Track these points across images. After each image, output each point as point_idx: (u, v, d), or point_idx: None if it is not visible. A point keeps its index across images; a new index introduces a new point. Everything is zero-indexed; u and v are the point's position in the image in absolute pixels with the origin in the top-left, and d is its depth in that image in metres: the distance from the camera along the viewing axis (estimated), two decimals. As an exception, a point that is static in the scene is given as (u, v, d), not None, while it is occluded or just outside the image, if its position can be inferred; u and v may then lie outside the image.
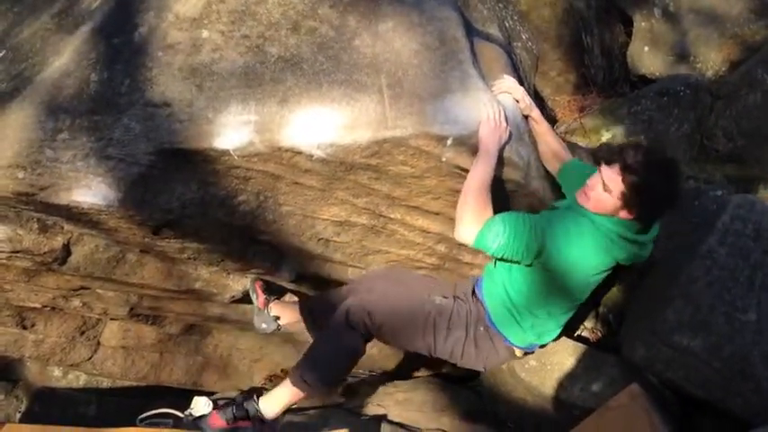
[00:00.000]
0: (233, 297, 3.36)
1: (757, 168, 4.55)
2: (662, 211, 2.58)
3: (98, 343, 3.86)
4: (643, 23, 6.01)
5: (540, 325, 2.79)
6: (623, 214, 2.51)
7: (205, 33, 2.61)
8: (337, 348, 2.75)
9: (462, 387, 3.90)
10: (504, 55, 3.04)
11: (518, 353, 2.90)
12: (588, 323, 3.58)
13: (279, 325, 3.29)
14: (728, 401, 2.71)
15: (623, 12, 6.21)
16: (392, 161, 2.53)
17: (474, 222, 2.44)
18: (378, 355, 3.91)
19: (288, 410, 2.88)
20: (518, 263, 2.56)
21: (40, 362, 4.03)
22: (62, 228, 2.91)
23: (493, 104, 2.53)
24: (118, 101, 2.56)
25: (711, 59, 5.72)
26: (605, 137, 5.05)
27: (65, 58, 2.69)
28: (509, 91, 2.74)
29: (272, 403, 2.76)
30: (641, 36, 6.02)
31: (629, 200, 2.45)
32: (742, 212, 2.85)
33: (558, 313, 2.78)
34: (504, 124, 2.53)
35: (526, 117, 2.84)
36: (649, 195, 2.44)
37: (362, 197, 2.75)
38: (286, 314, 3.29)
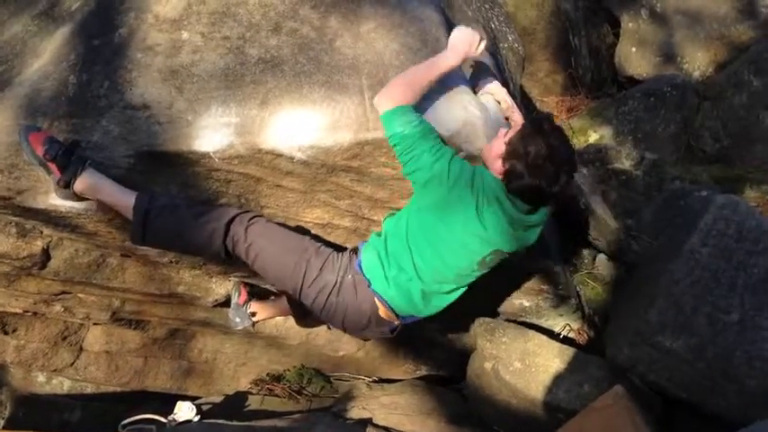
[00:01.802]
0: (216, 301, 3.34)
1: (743, 169, 4.56)
2: (527, 174, 2.29)
3: (81, 348, 3.82)
4: (630, 24, 6.03)
5: (403, 281, 2.54)
6: (497, 166, 2.37)
7: (185, 35, 2.59)
8: (196, 224, 2.55)
9: (447, 390, 3.89)
10: (488, 56, 3.03)
11: (382, 311, 2.62)
12: (574, 324, 3.58)
13: (253, 322, 3.24)
14: (712, 402, 2.72)
15: (610, 13, 6.23)
16: (374, 163, 2.52)
17: (399, 99, 2.33)
18: (363, 358, 3.89)
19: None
20: (402, 164, 2.39)
21: (22, 368, 4.00)
22: (41, 232, 2.89)
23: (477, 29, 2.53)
24: (97, 103, 2.54)
25: (698, 60, 5.75)
26: (593, 138, 5.07)
27: (44, 60, 2.67)
28: (492, 92, 2.73)
29: (92, 186, 2.50)
30: (629, 37, 6.04)
31: (502, 151, 2.34)
32: (725, 213, 2.86)
33: (422, 271, 2.52)
34: (478, 37, 2.48)
35: (507, 119, 2.83)
36: (517, 149, 2.30)
37: (345, 199, 2.74)
38: (263, 311, 3.25)
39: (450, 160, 2.34)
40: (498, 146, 2.36)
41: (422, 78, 2.39)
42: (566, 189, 2.35)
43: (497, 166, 2.36)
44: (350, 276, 2.58)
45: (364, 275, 2.57)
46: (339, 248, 2.70)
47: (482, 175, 2.39)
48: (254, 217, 2.61)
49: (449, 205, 2.37)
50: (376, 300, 2.58)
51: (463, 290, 2.64)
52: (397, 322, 2.72)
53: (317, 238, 2.78)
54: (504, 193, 2.37)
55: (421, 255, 2.48)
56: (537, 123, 2.36)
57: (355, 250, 2.66)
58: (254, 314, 3.22)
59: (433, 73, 2.41)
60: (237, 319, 3.22)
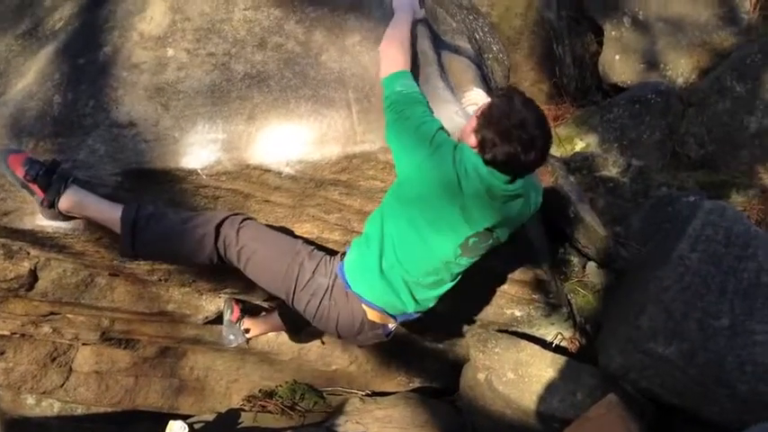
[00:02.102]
0: (207, 318, 3.32)
1: (729, 174, 4.60)
2: (499, 141, 2.24)
3: (70, 369, 3.78)
4: (613, 32, 6.07)
5: (385, 271, 2.48)
6: (471, 140, 2.31)
7: (170, 52, 2.59)
8: (185, 229, 2.50)
9: (441, 402, 3.88)
10: (473, 67, 3.04)
11: (370, 314, 2.56)
12: (566, 333, 3.58)
13: (247, 339, 3.22)
14: (705, 408, 2.72)
15: (593, 21, 6.28)
16: (362, 176, 2.52)
17: (401, 64, 2.43)
18: (356, 372, 3.88)
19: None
20: (389, 122, 2.38)
21: (11, 390, 3.95)
22: (28, 253, 2.86)
23: None
24: (82, 122, 2.53)
25: (681, 67, 5.79)
26: (579, 146, 5.08)
27: (28, 80, 2.66)
28: (476, 102, 2.74)
29: (77, 204, 2.47)
30: (612, 45, 6.08)
31: (474, 124, 2.30)
32: (713, 218, 2.87)
33: (404, 257, 2.44)
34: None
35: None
36: (487, 118, 2.26)
37: (334, 213, 2.73)
38: (256, 327, 3.23)
39: (438, 128, 2.32)
40: (471, 120, 2.33)
41: (403, 37, 2.48)
42: (542, 158, 2.29)
43: (472, 140, 2.30)
44: (339, 280, 2.53)
45: (346, 279, 2.51)
46: (332, 252, 2.68)
47: (462, 149, 2.34)
48: (245, 219, 2.57)
49: (429, 175, 2.30)
50: (362, 304, 2.54)
51: (450, 284, 2.56)
52: (391, 324, 2.66)
53: (308, 241, 2.75)
54: (483, 165, 2.30)
55: (403, 238, 2.42)
56: (506, 94, 2.34)
57: (345, 254, 2.61)
58: (247, 330, 3.20)
59: (406, 30, 2.52)
60: (231, 337, 3.20)
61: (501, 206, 2.39)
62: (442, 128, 2.34)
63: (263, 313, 3.41)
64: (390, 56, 2.44)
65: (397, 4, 2.63)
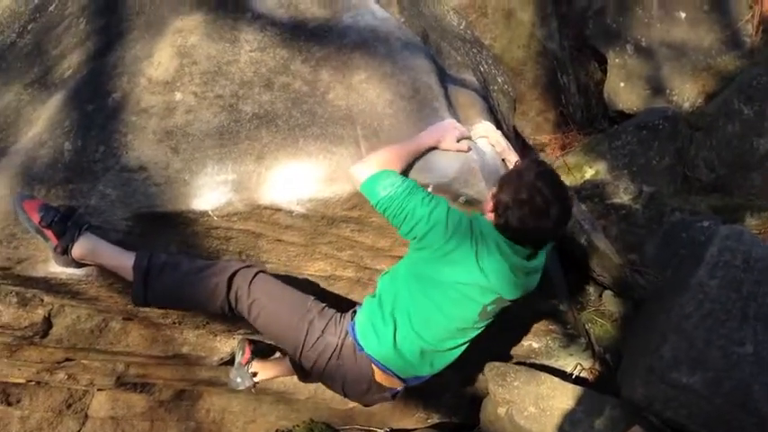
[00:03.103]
0: (222, 359, 3.29)
1: (742, 197, 4.57)
2: (519, 221, 2.24)
3: (86, 415, 3.74)
4: (617, 60, 6.11)
5: (399, 340, 2.45)
6: (489, 214, 2.33)
7: (178, 95, 2.60)
8: (197, 279, 2.48)
9: (461, 437, 3.82)
10: (479, 99, 3.05)
11: (378, 376, 2.53)
12: (586, 363, 3.53)
13: (255, 383, 3.17)
14: (733, 437, 2.66)
15: (596, 50, 6.32)
16: (373, 212, 2.50)
17: (376, 166, 2.32)
18: (373, 409, 3.81)
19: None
20: (398, 226, 2.35)
21: (27, 438, 3.92)
22: (42, 300, 2.86)
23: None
24: (93, 168, 2.54)
25: (687, 91, 5.81)
26: (588, 173, 5.08)
27: (39, 128, 2.68)
28: (485, 135, 2.74)
29: (90, 251, 2.46)
30: (616, 72, 6.11)
31: (492, 197, 2.31)
32: (730, 243, 2.83)
33: (421, 327, 2.43)
34: (455, 131, 2.49)
35: (504, 160, 2.82)
36: (502, 199, 2.26)
37: (346, 250, 2.72)
38: (265, 370, 3.18)
39: (447, 209, 2.31)
40: (487, 202, 2.35)
41: (396, 151, 2.39)
42: (562, 226, 2.31)
43: (488, 206, 2.32)
44: (349, 339, 2.51)
45: (357, 340, 2.49)
46: (343, 309, 2.64)
47: (479, 222, 2.36)
48: (258, 273, 2.55)
49: (447, 255, 2.32)
50: (372, 365, 2.50)
51: (466, 346, 2.55)
52: (399, 387, 2.63)
53: (321, 296, 2.73)
54: (503, 240, 2.33)
55: (419, 309, 2.41)
56: (519, 170, 2.33)
57: (355, 312, 2.60)
58: (255, 374, 3.16)
59: (406, 148, 2.42)
60: (239, 380, 3.16)
61: (522, 280, 2.42)
62: (450, 206, 2.35)
63: (274, 356, 3.37)
64: (367, 162, 2.37)
65: (431, 128, 2.50)
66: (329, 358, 2.50)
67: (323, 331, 2.51)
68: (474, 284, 2.36)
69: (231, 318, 2.70)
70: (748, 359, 2.63)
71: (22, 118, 2.79)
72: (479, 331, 2.51)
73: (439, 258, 2.32)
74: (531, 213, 2.21)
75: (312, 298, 2.62)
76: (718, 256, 2.80)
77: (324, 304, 2.61)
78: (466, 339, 2.51)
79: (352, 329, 2.50)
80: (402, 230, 2.34)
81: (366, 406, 2.97)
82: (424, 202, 2.29)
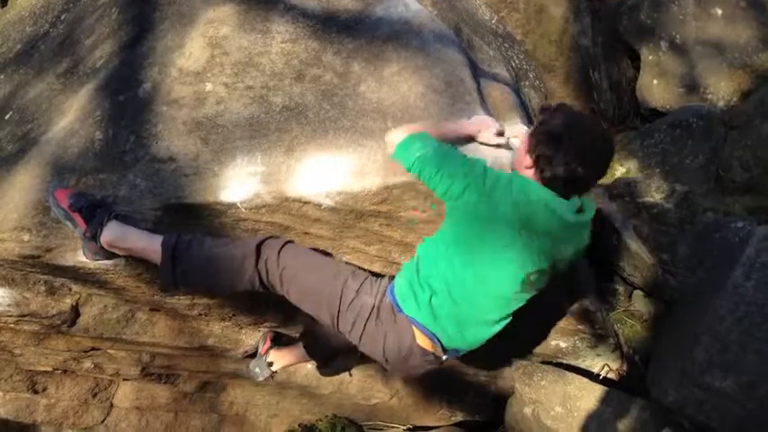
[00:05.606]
0: (246, 352, 3.29)
1: (777, 198, 4.46)
2: (566, 169, 2.16)
3: (111, 405, 3.78)
4: (650, 57, 5.99)
5: (436, 306, 2.35)
6: (526, 161, 2.23)
7: (209, 86, 2.60)
8: (225, 251, 2.47)
9: (486, 436, 3.79)
10: (511, 94, 3.01)
11: (419, 338, 2.42)
12: (614, 364, 3.47)
13: (272, 372, 3.16)
14: (767, 444, 2.59)
15: (629, 46, 6.20)
16: (402, 206, 2.48)
17: (409, 131, 2.31)
18: (397, 406, 3.80)
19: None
20: (434, 187, 2.28)
21: (53, 426, 3.95)
22: (70, 289, 2.87)
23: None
24: (123, 158, 2.54)
25: (722, 89, 5.68)
26: (620, 172, 4.99)
27: (70, 118, 2.69)
28: (517, 135, 2.68)
29: (119, 236, 2.45)
30: (649, 69, 6.00)
31: (528, 144, 2.23)
32: (767, 245, 2.76)
33: (459, 294, 2.33)
34: (493, 126, 2.46)
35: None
36: (538, 136, 2.19)
37: (374, 245, 2.69)
38: (281, 359, 3.15)
39: (484, 167, 2.24)
40: (521, 159, 2.27)
41: (434, 126, 2.37)
42: (608, 162, 2.23)
43: (527, 161, 2.23)
44: (387, 300, 2.44)
45: (396, 301, 2.42)
46: (375, 274, 2.62)
47: (518, 179, 2.25)
48: (287, 242, 2.52)
49: (486, 216, 2.22)
50: (413, 327, 2.41)
51: (505, 322, 2.43)
52: (443, 356, 2.52)
53: (350, 263, 2.70)
54: (544, 191, 2.21)
55: (456, 275, 2.30)
56: (557, 108, 2.27)
57: (393, 277, 2.53)
58: (271, 364, 3.15)
59: (446, 127, 2.39)
60: (257, 370, 3.17)
61: (573, 235, 2.32)
62: (486, 166, 2.27)
63: (290, 345, 3.35)
64: (399, 129, 2.37)
65: (474, 118, 2.50)
66: (367, 318, 2.43)
67: (357, 291, 2.46)
68: (516, 247, 2.24)
69: (259, 301, 2.67)
70: (785, 364, 2.57)
71: (53, 107, 2.81)
72: (519, 305, 2.39)
73: (477, 220, 2.23)
74: (576, 157, 2.13)
75: (344, 262, 2.58)
76: (754, 258, 2.73)
77: (354, 267, 2.57)
78: (504, 314, 2.40)
79: (391, 291, 2.44)
80: (439, 191, 2.26)
81: (409, 376, 2.86)
82: (459, 161, 2.24)
